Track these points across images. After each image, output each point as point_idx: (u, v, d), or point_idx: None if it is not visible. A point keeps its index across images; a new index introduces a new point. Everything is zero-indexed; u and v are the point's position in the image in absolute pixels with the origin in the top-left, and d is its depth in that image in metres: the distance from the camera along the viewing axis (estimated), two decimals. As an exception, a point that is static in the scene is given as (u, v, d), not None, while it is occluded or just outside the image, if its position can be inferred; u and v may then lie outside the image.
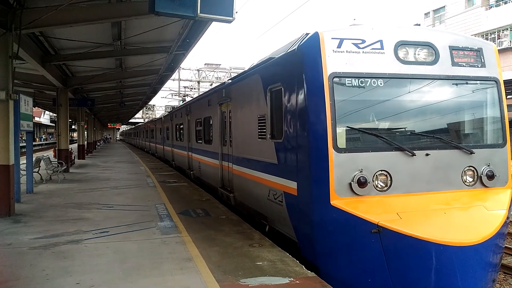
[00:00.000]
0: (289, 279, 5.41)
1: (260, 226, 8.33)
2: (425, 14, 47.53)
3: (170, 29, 12.62)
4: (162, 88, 29.94)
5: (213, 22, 10.33)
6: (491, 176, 6.55)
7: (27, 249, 6.91)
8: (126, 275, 5.65)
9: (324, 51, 6.05)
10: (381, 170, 6.05)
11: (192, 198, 11.93)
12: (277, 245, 7.00)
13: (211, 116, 12.80)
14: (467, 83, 6.67)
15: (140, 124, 63.73)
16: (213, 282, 5.32)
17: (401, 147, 6.16)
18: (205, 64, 58.41)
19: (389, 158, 6.11)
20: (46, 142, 75.60)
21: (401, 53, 6.36)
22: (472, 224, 5.78)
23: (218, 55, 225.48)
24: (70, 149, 21.58)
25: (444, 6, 44.86)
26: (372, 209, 5.81)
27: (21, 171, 12.71)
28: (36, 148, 46.57)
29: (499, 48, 32.81)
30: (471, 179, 6.51)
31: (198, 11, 5.85)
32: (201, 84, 47.18)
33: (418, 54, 6.45)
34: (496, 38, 39.23)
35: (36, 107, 33.15)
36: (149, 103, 54.58)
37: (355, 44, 6.18)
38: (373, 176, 6.01)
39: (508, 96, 17.95)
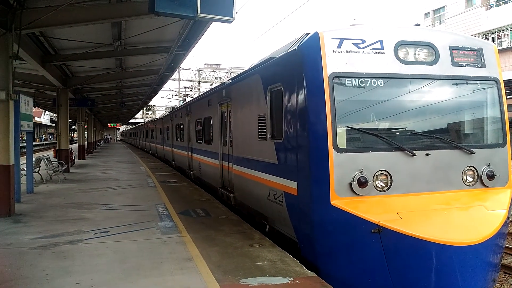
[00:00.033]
0: (289, 279, 5.41)
1: (260, 226, 8.33)
2: (425, 14, 47.54)
3: (170, 29, 12.62)
4: (162, 88, 29.96)
5: (213, 22, 10.35)
6: (491, 176, 6.55)
7: (27, 249, 6.91)
8: (126, 275, 5.66)
9: (324, 51, 6.05)
10: (381, 170, 6.05)
11: (192, 198, 11.93)
12: (277, 245, 7.00)
13: (211, 116, 12.80)
14: (467, 83, 6.67)
15: (140, 124, 63.73)
16: (213, 282, 5.32)
17: (401, 147, 6.16)
18: (205, 64, 58.45)
19: (389, 158, 6.11)
20: (46, 142, 75.61)
21: (401, 53, 6.36)
22: (472, 224, 5.78)
23: (218, 55, 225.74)
24: (70, 149, 21.59)
25: (444, 6, 44.87)
26: (372, 209, 5.81)
27: (21, 171, 12.72)
28: (36, 148, 46.59)
29: (499, 48, 32.83)
30: (471, 179, 6.51)
31: (198, 11, 5.85)
32: (201, 84, 47.22)
33: (418, 54, 6.46)
34: (496, 38, 39.23)
35: (36, 107, 33.18)
36: (149, 103, 54.60)
37: (355, 44, 6.18)
38: (373, 176, 6.01)
39: (508, 96, 17.96)
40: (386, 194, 6.05)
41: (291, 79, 6.64)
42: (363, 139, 6.25)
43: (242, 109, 9.50)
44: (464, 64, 6.65)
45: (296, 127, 6.50)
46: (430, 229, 5.56)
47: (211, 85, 43.19)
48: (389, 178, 6.08)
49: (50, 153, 28.80)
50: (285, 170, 6.95)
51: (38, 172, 16.06)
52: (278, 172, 7.23)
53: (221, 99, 11.32)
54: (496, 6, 40.20)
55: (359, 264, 5.77)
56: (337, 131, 5.95)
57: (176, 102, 47.69)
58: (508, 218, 6.19)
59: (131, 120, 79.82)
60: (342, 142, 6.01)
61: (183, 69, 45.17)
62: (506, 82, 11.63)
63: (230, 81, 11.11)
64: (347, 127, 6.11)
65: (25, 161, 13.77)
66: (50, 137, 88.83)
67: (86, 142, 35.25)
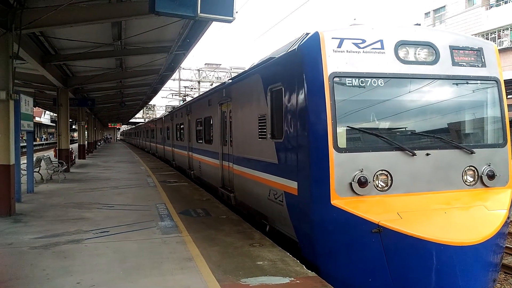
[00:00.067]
0: (290, 279, 5.41)
1: (260, 226, 8.33)
2: (425, 14, 47.52)
3: (170, 29, 12.62)
4: (162, 88, 29.95)
5: (213, 22, 10.36)
6: (491, 176, 6.55)
7: (27, 248, 6.91)
8: (126, 274, 5.66)
9: (324, 51, 6.05)
10: (382, 170, 6.05)
11: (193, 198, 11.93)
12: (277, 245, 7.00)
13: (211, 116, 12.80)
14: (467, 83, 6.67)
15: (140, 124, 63.73)
16: (214, 282, 5.32)
17: (401, 147, 6.15)
18: (206, 64, 58.42)
19: (389, 158, 6.11)
20: (46, 142, 75.64)
21: (401, 53, 6.35)
22: (472, 224, 5.78)
23: (218, 55, 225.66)
24: (70, 149, 21.60)
25: (445, 6, 44.84)
26: (373, 209, 5.81)
27: (22, 171, 12.73)
28: (36, 148, 46.61)
29: (499, 47, 32.79)
30: (471, 179, 6.51)
31: (198, 11, 5.85)
32: (201, 84, 47.20)
33: (419, 54, 6.45)
34: (497, 37, 39.20)
35: (37, 107, 33.16)
36: (149, 103, 54.60)
37: (356, 44, 6.18)
38: (374, 176, 6.01)
39: (508, 96, 17.94)
40: (386, 194, 6.05)
41: (292, 79, 6.64)
42: (364, 139, 6.25)
43: (242, 109, 9.50)
44: (464, 64, 6.65)
45: (297, 127, 6.50)
46: (431, 229, 5.56)
47: (211, 85, 43.17)
48: (389, 178, 6.08)
49: (51, 153, 28.81)
50: (286, 170, 6.95)
51: (38, 171, 16.07)
52: (279, 172, 7.23)
53: (221, 99, 11.32)
54: (497, 6, 40.18)
55: (360, 264, 5.77)
56: (337, 131, 5.95)
57: (176, 102, 47.70)
58: (508, 218, 6.19)
59: (131, 120, 79.84)
60: (342, 142, 6.01)
61: (183, 69, 45.16)
62: (507, 82, 11.63)
63: (230, 81, 11.11)
64: (348, 127, 6.10)
65: (25, 161, 13.77)
66: (51, 136, 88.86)
67: (86, 141, 35.26)
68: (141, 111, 65.67)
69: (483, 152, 6.59)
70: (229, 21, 6.24)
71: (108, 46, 14.48)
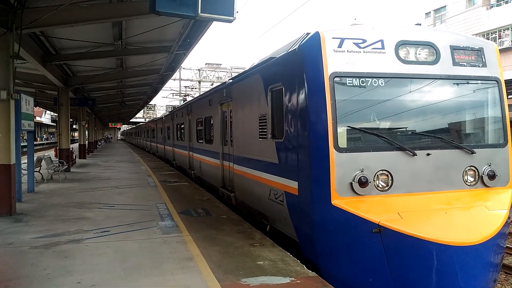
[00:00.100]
0: (290, 279, 5.41)
1: (261, 225, 8.33)
2: (426, 13, 47.52)
3: (170, 29, 12.62)
4: (163, 88, 29.98)
5: (214, 22, 10.36)
6: (492, 176, 6.54)
7: (28, 248, 6.92)
8: (127, 274, 5.66)
9: (325, 50, 6.04)
10: (382, 170, 6.05)
11: (193, 198, 11.93)
12: (278, 244, 7.00)
13: (212, 116, 12.81)
14: (468, 83, 6.66)
15: (141, 123, 63.77)
16: (214, 282, 5.32)
17: (402, 146, 6.15)
18: (206, 63, 58.40)
19: (390, 158, 6.11)
20: (47, 141, 75.66)
21: (402, 53, 6.35)
22: (473, 224, 5.78)
23: (219, 54, 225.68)
24: (71, 149, 21.60)
25: (445, 6, 44.83)
26: (373, 209, 5.81)
27: (22, 171, 12.74)
28: (37, 147, 46.62)
29: (500, 47, 32.78)
30: (472, 179, 6.50)
31: (199, 11, 5.86)
32: (202, 83, 47.24)
33: (419, 54, 6.45)
34: (497, 37, 39.18)
35: (37, 107, 33.17)
36: (150, 103, 54.63)
37: (356, 44, 6.17)
38: (374, 175, 6.01)
39: (509, 96, 17.92)
40: (387, 194, 6.05)
41: (292, 79, 6.64)
42: (364, 139, 6.25)
43: (242, 108, 9.50)
44: (465, 63, 6.65)
45: (297, 126, 6.49)
46: (431, 229, 5.56)
47: (212, 84, 43.20)
48: (390, 178, 6.07)
49: (51, 153, 28.83)
50: (286, 169, 6.95)
51: (39, 171, 16.07)
52: (279, 171, 7.23)
53: (222, 99, 11.32)
54: (497, 5, 40.16)
55: (360, 264, 5.77)
56: (338, 131, 5.95)
57: (176, 102, 47.75)
58: (509, 218, 6.19)
59: (131, 120, 79.87)
60: (342, 142, 6.00)
61: (183, 68, 45.22)
62: (507, 82, 11.63)
63: (231, 80, 11.11)
64: (348, 126, 6.10)
65: (26, 161, 13.78)
66: (51, 136, 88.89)
67: (87, 141, 35.28)
68: (142, 111, 65.71)
69: (484, 152, 6.59)
70: (230, 21, 6.25)
71: (108, 46, 14.49)
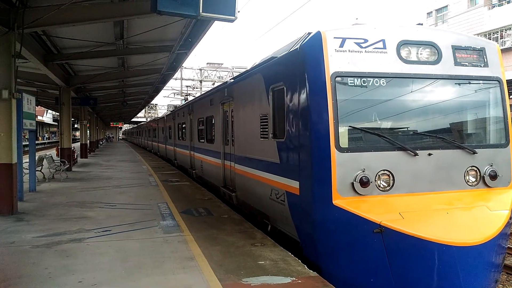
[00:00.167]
0: (291, 279, 5.41)
1: (262, 225, 8.33)
2: (427, 13, 47.44)
3: (172, 28, 12.62)
4: (164, 87, 30.02)
5: (215, 22, 10.36)
6: (493, 176, 6.53)
7: (29, 247, 6.93)
8: (128, 273, 5.66)
9: (326, 50, 6.04)
10: (384, 170, 6.04)
11: (194, 197, 11.94)
12: (279, 244, 7.00)
13: (213, 115, 12.81)
14: (469, 83, 6.65)
15: (142, 123, 63.84)
16: (215, 281, 5.32)
17: (403, 146, 6.14)
18: (207, 63, 58.48)
19: (391, 158, 6.10)
20: (48, 141, 75.74)
21: (403, 53, 6.34)
22: (474, 224, 5.77)
23: (220, 54, 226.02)
24: (72, 148, 21.64)
25: (447, 6, 44.75)
26: (374, 208, 5.80)
27: (24, 170, 12.74)
28: (38, 147, 46.74)
29: (502, 47, 32.73)
30: (473, 179, 6.49)
31: (200, 10, 5.86)
32: (203, 83, 47.28)
33: (421, 54, 6.44)
34: (499, 37, 39.09)
35: (39, 106, 33.26)
36: (151, 102, 54.67)
37: (358, 44, 6.17)
38: (376, 175, 6.00)
39: (511, 96, 17.88)
40: (388, 194, 6.05)
41: (293, 79, 6.63)
42: (365, 139, 6.24)
43: (244, 108, 9.50)
44: (466, 63, 6.63)
45: (298, 126, 6.49)
46: (433, 229, 5.55)
47: (213, 84, 43.22)
48: (391, 178, 6.07)
49: (53, 152, 28.86)
50: (287, 169, 6.95)
51: (40, 170, 16.11)
52: (280, 171, 7.22)
53: (223, 98, 11.33)
54: (499, 5, 40.07)
55: (361, 264, 5.77)
56: (339, 131, 5.94)
57: (178, 101, 47.78)
58: (511, 218, 6.17)
59: (133, 119, 79.96)
60: (344, 142, 6.00)
61: (185, 68, 45.26)
62: (509, 82, 11.60)
63: (232, 80, 11.11)
64: (349, 126, 6.09)
65: (27, 160, 13.79)
66: (53, 135, 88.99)
67: (88, 140, 35.34)
68: (143, 110, 65.76)
69: (485, 152, 6.58)
70: (231, 21, 6.25)
71: (110, 45, 14.50)
